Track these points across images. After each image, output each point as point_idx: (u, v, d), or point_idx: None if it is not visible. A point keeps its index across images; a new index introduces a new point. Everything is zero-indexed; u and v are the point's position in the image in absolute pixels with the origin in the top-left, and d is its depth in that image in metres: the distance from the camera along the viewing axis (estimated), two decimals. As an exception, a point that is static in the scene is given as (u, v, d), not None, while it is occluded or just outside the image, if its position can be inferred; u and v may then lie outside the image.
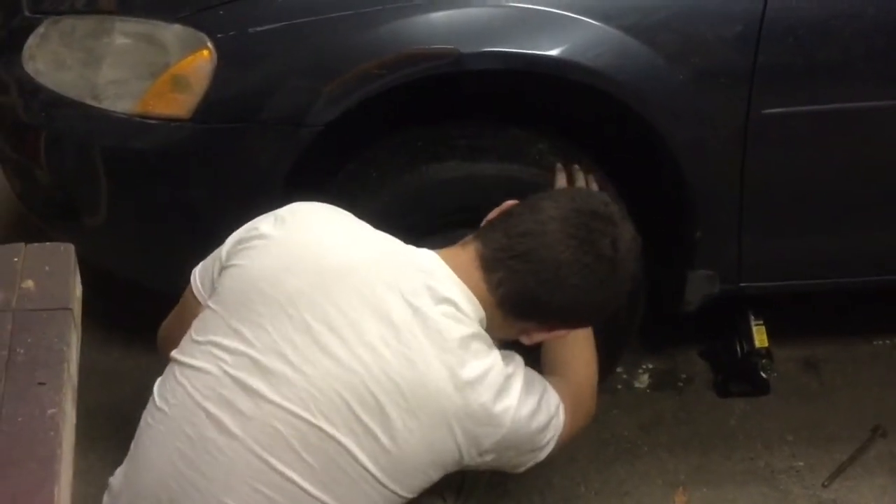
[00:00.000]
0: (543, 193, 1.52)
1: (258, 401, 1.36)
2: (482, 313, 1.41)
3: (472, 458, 1.41)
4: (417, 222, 1.78)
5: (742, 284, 2.00)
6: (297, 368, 1.36)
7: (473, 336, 1.39)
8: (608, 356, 1.94)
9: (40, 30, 1.90)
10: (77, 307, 1.02)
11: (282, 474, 1.34)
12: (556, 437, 1.50)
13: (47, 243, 1.11)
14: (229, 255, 1.48)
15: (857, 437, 2.11)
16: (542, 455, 1.51)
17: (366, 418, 1.34)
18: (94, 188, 1.93)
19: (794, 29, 1.74)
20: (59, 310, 0.99)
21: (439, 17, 1.75)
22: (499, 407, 1.39)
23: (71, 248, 1.09)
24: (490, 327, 1.43)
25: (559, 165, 1.77)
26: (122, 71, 1.86)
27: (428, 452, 1.37)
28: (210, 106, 1.78)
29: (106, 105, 1.84)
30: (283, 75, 1.77)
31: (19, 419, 0.86)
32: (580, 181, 1.75)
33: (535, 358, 1.60)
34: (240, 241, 1.48)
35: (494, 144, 1.83)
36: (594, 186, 1.77)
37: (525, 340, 1.50)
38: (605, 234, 1.42)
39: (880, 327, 2.38)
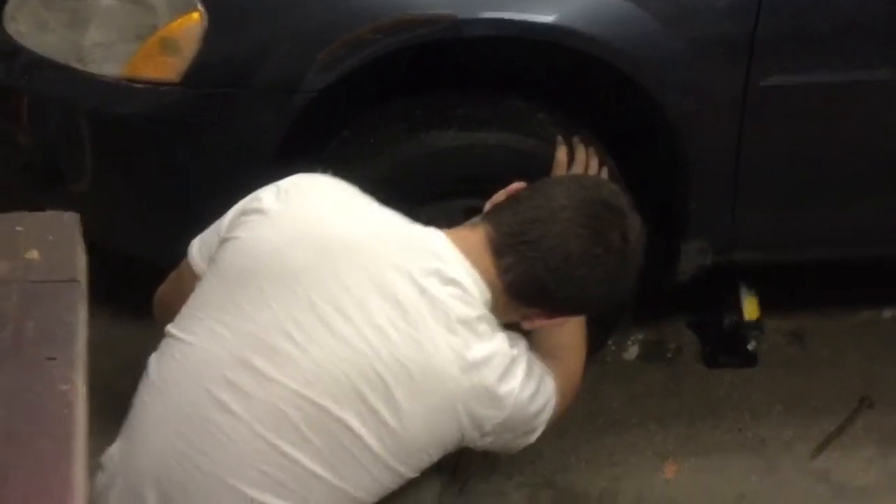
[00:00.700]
0: (552, 178, 1.53)
1: (262, 380, 1.33)
2: (488, 296, 1.40)
3: (472, 440, 1.41)
4: (414, 191, 1.76)
5: (734, 256, 1.99)
6: (303, 348, 1.33)
7: (480, 318, 1.38)
8: (603, 332, 1.94)
9: (21, -10, 1.85)
10: (83, 278, 0.98)
11: (286, 455, 1.32)
12: (547, 420, 1.50)
13: (50, 212, 1.07)
14: (230, 227, 1.45)
15: (844, 408, 2.13)
16: (534, 437, 1.51)
17: (372, 399, 1.32)
18: (78, 153, 1.89)
19: (794, -1, 1.72)
20: (66, 281, 0.95)
21: (436, -19, 1.71)
22: (503, 389, 1.38)
23: (75, 216, 1.06)
24: (494, 310, 1.42)
25: (559, 138, 1.75)
26: (108, 33, 1.81)
27: (432, 433, 1.36)
28: (200, 70, 1.74)
29: (92, 68, 1.80)
30: (275, 40, 1.73)
31: (30, 396, 0.83)
32: (581, 153, 1.74)
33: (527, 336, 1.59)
34: (242, 213, 1.45)
35: (493, 114, 1.81)
36: (595, 159, 1.75)
37: (526, 325, 1.49)
38: (616, 225, 1.41)
39: (866, 300, 2.39)
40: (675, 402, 2.15)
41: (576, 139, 1.77)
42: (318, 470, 1.33)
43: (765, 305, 2.20)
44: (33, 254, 0.98)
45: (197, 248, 1.50)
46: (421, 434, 1.35)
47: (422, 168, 1.81)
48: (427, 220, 1.47)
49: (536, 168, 1.65)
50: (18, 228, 1.00)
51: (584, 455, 2.03)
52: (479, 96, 1.85)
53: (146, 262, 1.81)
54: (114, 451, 1.42)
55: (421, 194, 1.77)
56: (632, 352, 2.28)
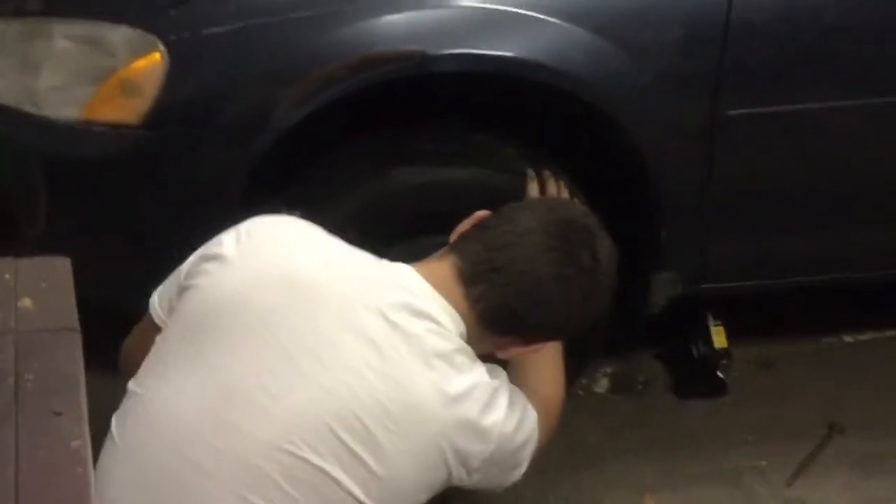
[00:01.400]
0: (518, 203, 1.50)
1: (235, 435, 1.26)
2: (462, 327, 1.37)
3: (460, 478, 1.37)
4: (383, 229, 1.72)
5: (704, 285, 2.00)
6: (276, 397, 1.27)
7: (456, 350, 1.34)
8: (579, 364, 1.92)
9: (-32, 35, 1.79)
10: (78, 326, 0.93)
11: None
12: (532, 453, 1.47)
13: (39, 257, 1.02)
14: (189, 274, 1.39)
15: (815, 435, 2.13)
16: (520, 473, 1.47)
17: (353, 444, 1.27)
18: (34, 199, 1.83)
19: (758, 30, 1.75)
20: (63, 330, 0.90)
21: (403, 18, 1.71)
22: (487, 421, 1.35)
23: (67, 261, 1.01)
24: (469, 342, 1.38)
25: (531, 172, 1.74)
26: (63, 76, 1.76)
27: (418, 474, 1.32)
28: (162, 112, 1.70)
29: (48, 112, 1.75)
30: (240, 79, 1.70)
31: (40, 453, 0.77)
32: (551, 187, 1.73)
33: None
34: (202, 259, 1.40)
35: (462, 149, 1.80)
36: (565, 192, 1.75)
37: (501, 354, 1.46)
38: (585, 245, 1.40)
39: (829, 326, 2.41)
40: (650, 433, 2.14)
41: (546, 173, 1.77)
42: None
43: (730, 334, 2.21)
44: (26, 302, 0.92)
45: (157, 299, 1.45)
46: (406, 476, 1.31)
47: (391, 205, 1.78)
48: (397, 259, 1.44)
49: (507, 203, 1.63)
50: (7, 276, 0.95)
51: (564, 492, 2.00)
52: (446, 132, 1.83)
53: (108, 311, 1.74)
54: None
55: (390, 232, 1.73)
56: (602, 384, 2.27)
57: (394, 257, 1.44)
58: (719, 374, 2.20)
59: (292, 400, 1.27)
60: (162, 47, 1.68)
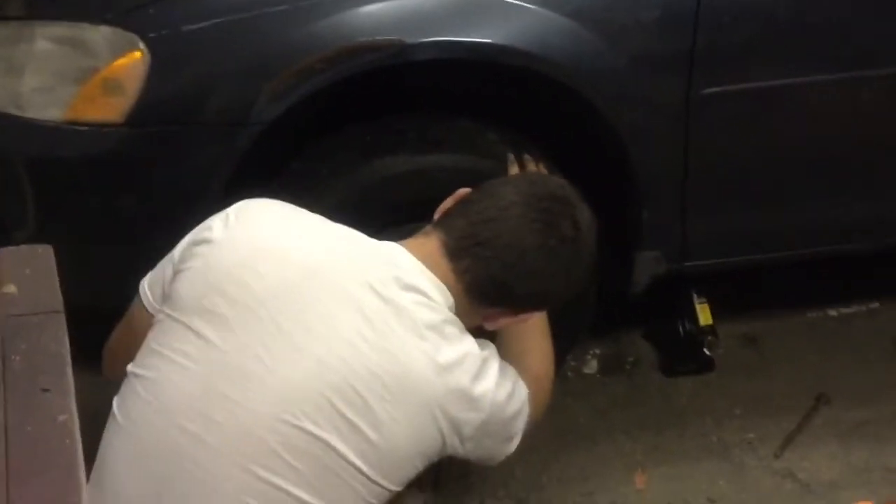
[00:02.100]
0: (499, 179, 1.52)
1: (234, 408, 1.30)
2: (451, 300, 1.40)
3: (454, 447, 1.39)
4: (369, 218, 1.73)
5: (687, 263, 2.02)
6: (273, 370, 1.30)
7: (445, 321, 1.38)
8: (565, 344, 1.94)
9: (-51, 41, 1.80)
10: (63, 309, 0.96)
11: (268, 482, 1.29)
12: (523, 427, 1.49)
13: (23, 246, 1.04)
14: (182, 258, 1.42)
15: (802, 407, 2.16)
16: (513, 446, 1.50)
17: (350, 414, 1.30)
18: (20, 201, 1.84)
19: (730, 8, 1.77)
20: (49, 313, 0.92)
21: (379, 7, 1.72)
22: (478, 390, 1.37)
23: (49, 249, 1.03)
24: (458, 314, 1.41)
25: (511, 156, 1.76)
26: (46, 77, 1.77)
27: (413, 442, 1.34)
28: (144, 109, 1.72)
29: (31, 114, 1.76)
30: (221, 74, 1.72)
31: (29, 428, 0.80)
32: (532, 170, 1.75)
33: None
34: (193, 243, 1.42)
35: (444, 136, 1.82)
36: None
37: (489, 326, 1.49)
38: (566, 215, 1.43)
39: (813, 300, 2.44)
40: (640, 412, 2.17)
41: (526, 157, 1.79)
42: (303, 495, 1.30)
43: (715, 311, 2.24)
44: (11, 288, 0.95)
45: (148, 286, 1.47)
46: (403, 444, 1.33)
47: (376, 194, 1.80)
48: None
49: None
50: (-7, 264, 0.97)
51: (556, 472, 2.02)
52: (428, 119, 1.85)
53: (95, 309, 1.76)
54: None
55: (376, 221, 1.75)
56: (592, 366, 2.30)
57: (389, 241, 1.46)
58: (706, 350, 2.23)
59: (288, 372, 1.30)
60: (142, 45, 1.69)
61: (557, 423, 2.09)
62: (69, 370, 0.87)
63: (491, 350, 1.44)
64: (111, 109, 1.72)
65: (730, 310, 2.31)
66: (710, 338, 2.21)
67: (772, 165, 1.94)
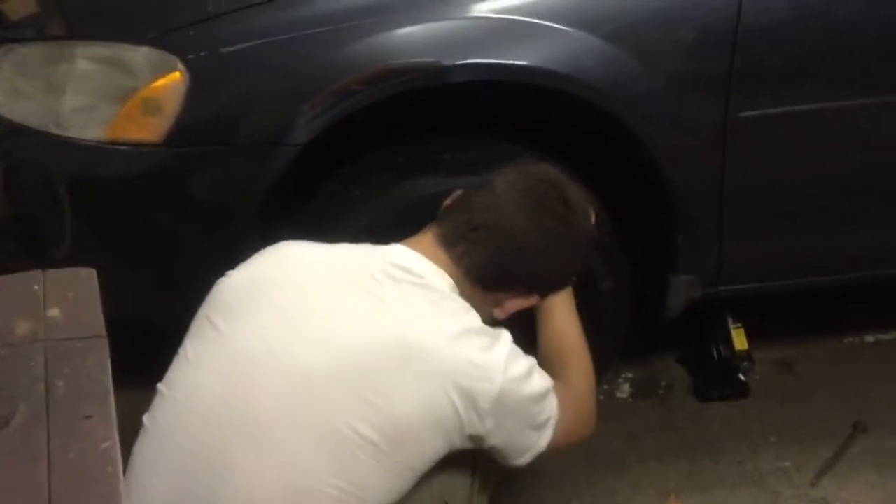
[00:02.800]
0: (494, 174, 1.56)
1: (248, 391, 1.34)
2: (451, 283, 1.45)
3: (472, 425, 1.39)
4: (401, 240, 1.74)
5: (722, 288, 2.01)
6: (279, 354, 1.34)
7: (446, 298, 1.42)
8: (599, 364, 1.92)
9: (-8, 61, 1.83)
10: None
11: (286, 462, 1.32)
12: (552, 423, 1.48)
13: (67, 269, 1.05)
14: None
15: (838, 434, 2.13)
16: (543, 441, 1.48)
17: (360, 387, 1.32)
18: (59, 219, 1.86)
19: (768, 31, 1.76)
20: (92, 338, 0.93)
21: (417, 30, 1.73)
22: (486, 359, 1.39)
23: (93, 272, 1.04)
24: (463, 297, 1.45)
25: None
26: (86, 97, 1.79)
27: (424, 411, 1.35)
28: (183, 129, 1.73)
29: (72, 133, 1.78)
30: (259, 95, 1.73)
31: (71, 455, 0.80)
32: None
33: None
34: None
35: (479, 158, 1.81)
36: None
37: (498, 314, 1.52)
38: (556, 195, 1.49)
39: (849, 325, 2.41)
40: (673, 438, 2.14)
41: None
42: (326, 475, 1.31)
43: (750, 336, 2.21)
44: (55, 312, 0.96)
45: None
46: (413, 413, 1.34)
47: (408, 215, 1.80)
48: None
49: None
50: (36, 287, 0.98)
51: (587, 498, 2.00)
52: (464, 141, 1.85)
53: (131, 327, 1.77)
54: None
55: (408, 243, 1.75)
56: (624, 390, 2.28)
57: None
58: (740, 376, 2.20)
59: (296, 353, 1.35)
60: (182, 66, 1.71)
61: (588, 448, 2.06)
62: (111, 397, 0.88)
63: (501, 331, 1.45)
64: (150, 129, 1.74)
65: (765, 335, 2.28)
66: (745, 363, 2.19)
67: (809, 190, 1.92)
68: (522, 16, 1.73)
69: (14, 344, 0.94)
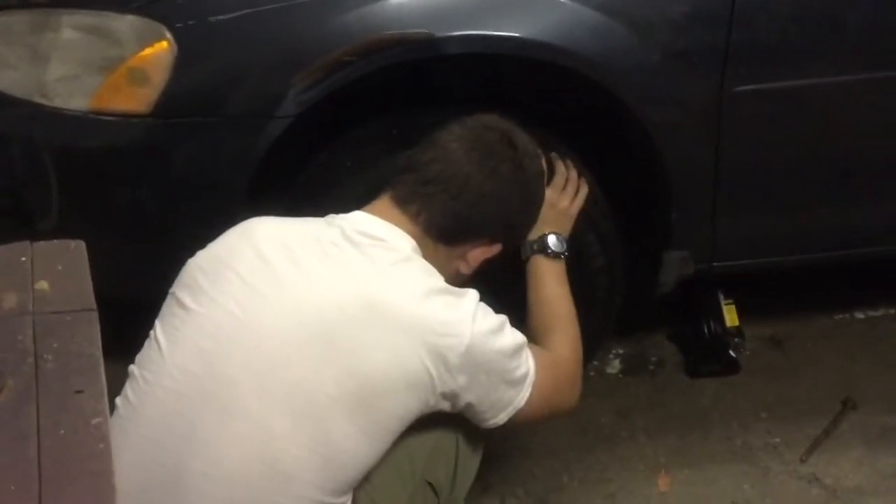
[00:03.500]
0: (436, 130, 1.55)
1: (212, 360, 1.34)
2: (413, 244, 1.45)
3: (444, 382, 1.37)
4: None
5: (715, 264, 2.00)
6: (245, 321, 1.34)
7: (408, 259, 1.42)
8: (591, 340, 1.92)
9: (-24, 29, 1.79)
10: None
11: (254, 424, 1.32)
12: (530, 381, 1.46)
13: (55, 241, 1.03)
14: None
15: (828, 411, 2.13)
16: (520, 398, 1.46)
17: (328, 350, 1.32)
18: (45, 191, 1.83)
19: (764, 5, 1.74)
20: (82, 311, 0.91)
21: (410, 1, 1.70)
22: (452, 315, 1.38)
23: (82, 244, 1.02)
24: (426, 258, 1.45)
25: (538, 151, 1.73)
26: (72, 67, 1.76)
27: (394, 372, 1.34)
28: (171, 100, 1.70)
29: (57, 103, 1.75)
30: (248, 65, 1.70)
31: (61, 431, 0.78)
32: (560, 166, 1.74)
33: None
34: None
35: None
36: (573, 172, 1.76)
37: (464, 269, 1.51)
38: (501, 138, 1.49)
39: (839, 302, 2.42)
40: (663, 413, 2.14)
41: (553, 154, 1.77)
42: (291, 434, 1.31)
43: (741, 312, 2.21)
44: (43, 284, 0.93)
45: None
46: (382, 371, 1.34)
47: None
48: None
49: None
50: (23, 259, 0.95)
51: (577, 473, 2.00)
52: (454, 114, 1.82)
53: (118, 300, 1.75)
54: None
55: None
56: (615, 366, 2.28)
57: None
58: (731, 352, 2.20)
59: (264, 323, 1.34)
60: (169, 35, 1.68)
61: (579, 423, 2.07)
62: (102, 371, 0.86)
63: (470, 291, 1.44)
64: (137, 100, 1.71)
65: (756, 312, 2.28)
66: (735, 339, 2.19)
67: (804, 166, 1.90)
68: (517, -13, 1.70)
69: (1, 317, 0.92)
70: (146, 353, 1.41)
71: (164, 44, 1.68)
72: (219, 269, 1.40)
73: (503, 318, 1.45)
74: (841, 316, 2.41)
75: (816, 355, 2.29)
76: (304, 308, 1.35)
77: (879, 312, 2.42)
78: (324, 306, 1.35)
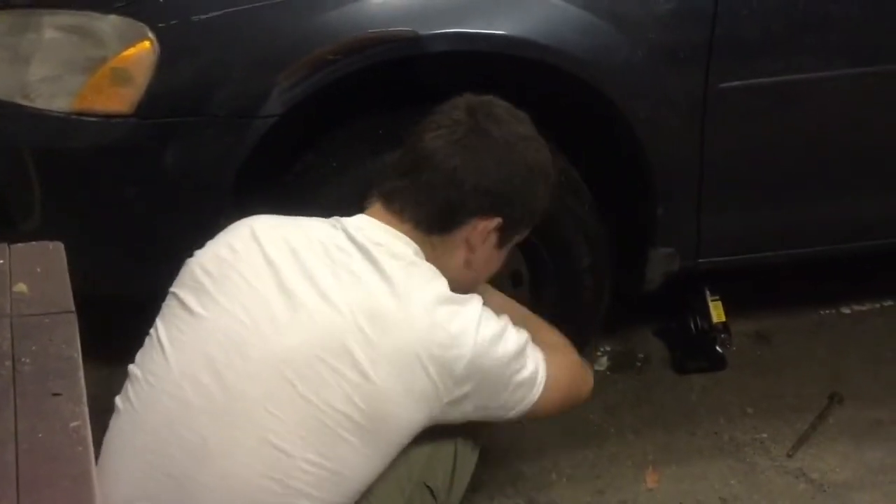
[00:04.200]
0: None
1: (221, 370, 1.33)
2: (414, 246, 1.43)
3: (450, 392, 1.38)
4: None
5: (701, 260, 2.00)
6: (255, 331, 1.33)
7: (413, 264, 1.40)
8: (579, 338, 1.92)
9: (-45, 30, 1.78)
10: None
11: (260, 440, 1.31)
12: (542, 378, 1.47)
13: (33, 242, 1.02)
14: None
15: (814, 406, 2.14)
16: (532, 396, 1.48)
17: (335, 364, 1.32)
18: (27, 192, 1.81)
19: (749, 1, 1.74)
20: (61, 313, 0.90)
21: (393, -2, 1.69)
22: (456, 326, 1.37)
23: (60, 246, 1.01)
24: (431, 260, 1.44)
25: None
26: (53, 67, 1.75)
27: (401, 385, 1.34)
28: (154, 100, 1.69)
29: (39, 104, 1.74)
30: (232, 65, 1.69)
31: (40, 435, 0.77)
32: None
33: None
34: None
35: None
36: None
37: (470, 256, 1.48)
38: (458, 109, 1.46)
39: (826, 298, 2.42)
40: (650, 410, 2.14)
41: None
42: (298, 450, 1.31)
43: (728, 308, 2.21)
44: (21, 287, 0.92)
45: None
46: (389, 385, 1.33)
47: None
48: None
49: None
50: (1, 261, 0.94)
51: (566, 470, 2.00)
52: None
53: (101, 301, 1.74)
54: None
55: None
56: (602, 363, 2.28)
57: None
58: (718, 348, 2.20)
59: (273, 334, 1.33)
60: (151, 35, 1.67)
61: (566, 421, 2.06)
62: (81, 374, 0.85)
63: (474, 297, 1.43)
64: (120, 100, 1.70)
65: (742, 307, 2.28)
66: (722, 335, 2.19)
67: (789, 162, 1.91)
68: (501, -16, 1.69)
69: (-23, 320, 0.91)
70: (149, 355, 1.39)
71: (147, 44, 1.67)
72: (223, 270, 1.38)
73: (505, 320, 1.45)
74: (827, 311, 2.41)
75: (803, 350, 2.30)
76: (313, 320, 1.34)
77: (865, 307, 2.43)
78: (333, 320, 1.33)
